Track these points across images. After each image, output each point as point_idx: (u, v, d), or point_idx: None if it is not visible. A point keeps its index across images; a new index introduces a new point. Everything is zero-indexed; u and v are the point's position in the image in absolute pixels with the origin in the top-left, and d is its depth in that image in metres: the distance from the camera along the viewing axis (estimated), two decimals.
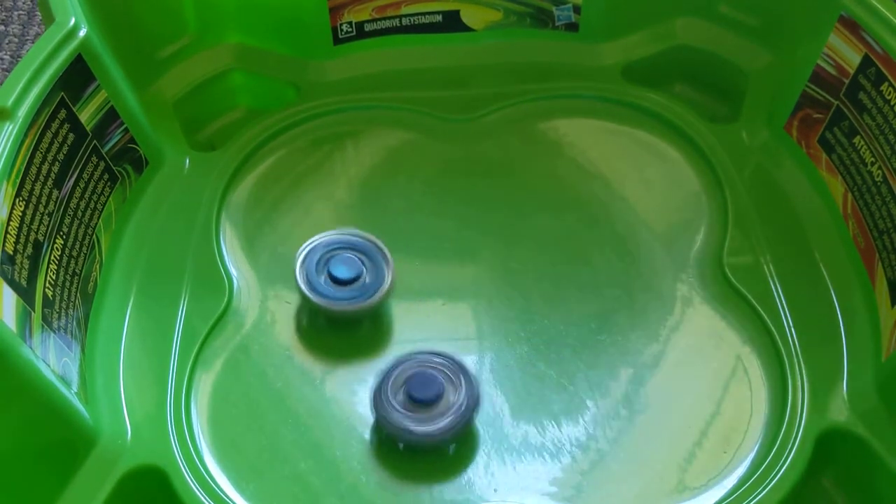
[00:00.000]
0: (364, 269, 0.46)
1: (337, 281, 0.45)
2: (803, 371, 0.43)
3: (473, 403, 0.41)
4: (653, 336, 0.45)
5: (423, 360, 0.42)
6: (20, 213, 0.40)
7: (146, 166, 0.50)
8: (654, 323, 0.46)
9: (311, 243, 0.46)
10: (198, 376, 0.44)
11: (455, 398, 0.41)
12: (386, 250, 0.46)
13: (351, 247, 0.46)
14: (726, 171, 0.50)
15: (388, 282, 0.45)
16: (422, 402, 0.41)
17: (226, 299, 0.46)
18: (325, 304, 0.45)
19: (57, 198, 0.43)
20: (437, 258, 0.49)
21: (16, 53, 0.65)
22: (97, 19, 0.47)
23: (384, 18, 0.55)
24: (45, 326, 0.40)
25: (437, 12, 0.55)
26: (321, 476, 0.41)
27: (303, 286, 0.45)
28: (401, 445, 0.42)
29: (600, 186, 0.51)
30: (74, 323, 0.42)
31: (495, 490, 0.41)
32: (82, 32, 0.45)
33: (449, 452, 0.42)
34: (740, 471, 0.41)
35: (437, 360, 0.42)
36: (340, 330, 0.46)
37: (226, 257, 0.48)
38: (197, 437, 0.42)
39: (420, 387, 0.41)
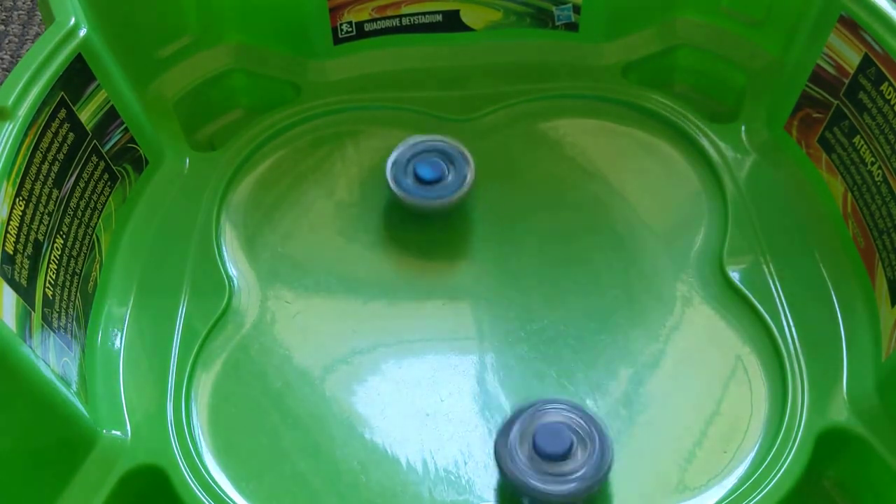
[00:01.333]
0: (446, 170, 0.49)
1: (422, 181, 0.49)
2: (803, 371, 0.43)
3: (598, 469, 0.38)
4: (653, 336, 0.45)
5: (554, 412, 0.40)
6: (20, 213, 0.40)
7: (146, 166, 0.50)
8: (654, 323, 0.46)
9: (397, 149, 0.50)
10: (198, 376, 0.44)
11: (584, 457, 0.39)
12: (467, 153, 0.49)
13: (435, 150, 0.50)
14: (726, 171, 0.50)
15: (469, 180, 0.48)
16: (549, 456, 0.39)
17: (226, 299, 0.46)
18: (413, 202, 0.48)
19: (57, 197, 0.43)
20: (437, 258, 0.49)
21: (16, 53, 0.65)
22: (97, 19, 0.47)
23: (384, 18, 0.55)
24: (45, 326, 0.40)
25: (437, 12, 0.55)
26: (321, 476, 0.41)
27: (393, 187, 0.49)
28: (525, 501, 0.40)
29: (600, 186, 0.51)
30: (74, 323, 0.42)
31: (495, 489, 0.41)
32: (82, 32, 0.45)
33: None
34: (740, 471, 0.41)
35: (569, 414, 0.40)
36: (339, 329, 0.46)
37: (226, 257, 0.48)
38: (197, 437, 0.42)
39: (548, 440, 0.39)
